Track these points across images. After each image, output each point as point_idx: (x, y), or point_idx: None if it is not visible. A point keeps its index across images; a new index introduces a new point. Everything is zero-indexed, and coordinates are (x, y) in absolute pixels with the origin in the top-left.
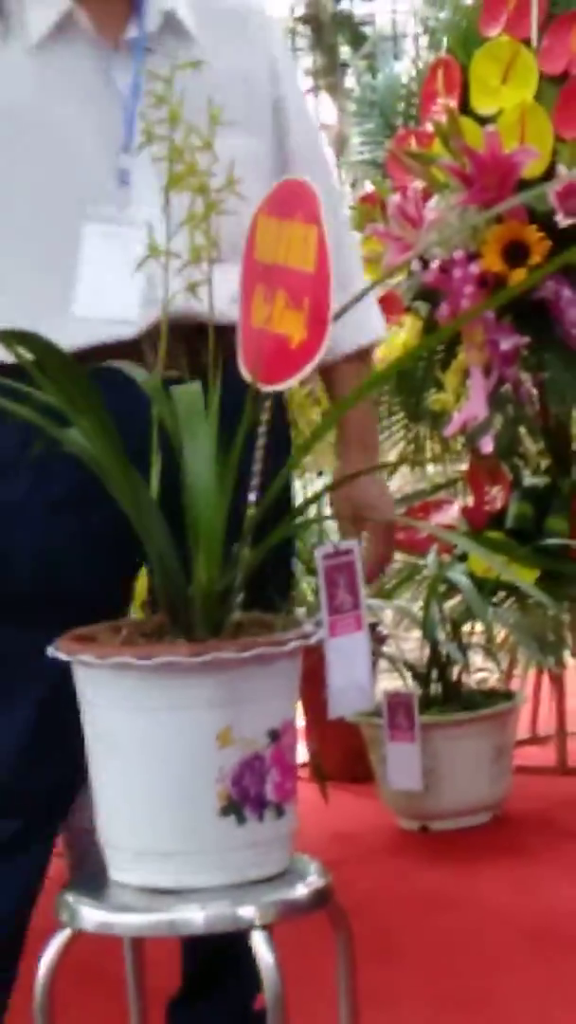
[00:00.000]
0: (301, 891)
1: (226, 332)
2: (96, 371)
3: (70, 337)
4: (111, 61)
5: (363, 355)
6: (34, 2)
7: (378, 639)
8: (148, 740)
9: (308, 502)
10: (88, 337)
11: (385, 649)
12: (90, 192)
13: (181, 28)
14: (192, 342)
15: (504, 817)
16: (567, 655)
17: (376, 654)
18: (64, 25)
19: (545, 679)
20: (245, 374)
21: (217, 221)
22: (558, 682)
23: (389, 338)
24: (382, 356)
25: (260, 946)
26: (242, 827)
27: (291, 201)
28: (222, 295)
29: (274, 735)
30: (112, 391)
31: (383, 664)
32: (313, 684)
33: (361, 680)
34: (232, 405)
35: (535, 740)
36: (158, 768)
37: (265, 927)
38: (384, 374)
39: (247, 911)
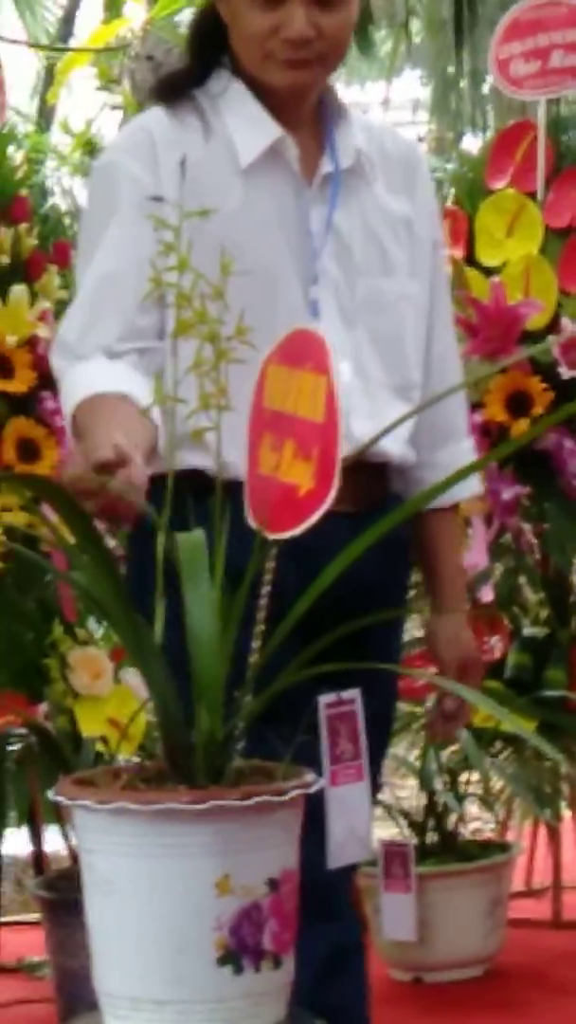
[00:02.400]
0: None
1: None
2: None
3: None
4: (307, 194)
5: (455, 507)
6: (243, 125)
7: (375, 787)
8: (146, 886)
9: (305, 656)
10: None
11: (381, 797)
12: (291, 321)
13: (365, 168)
14: (372, 478)
15: (497, 971)
16: (564, 807)
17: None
18: (273, 152)
19: (541, 831)
20: (251, 522)
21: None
22: (554, 834)
23: None
24: None
25: None
26: (239, 977)
27: (302, 351)
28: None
29: (273, 884)
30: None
31: (378, 812)
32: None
33: (361, 831)
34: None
35: (530, 893)
36: (155, 915)
37: None
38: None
39: None
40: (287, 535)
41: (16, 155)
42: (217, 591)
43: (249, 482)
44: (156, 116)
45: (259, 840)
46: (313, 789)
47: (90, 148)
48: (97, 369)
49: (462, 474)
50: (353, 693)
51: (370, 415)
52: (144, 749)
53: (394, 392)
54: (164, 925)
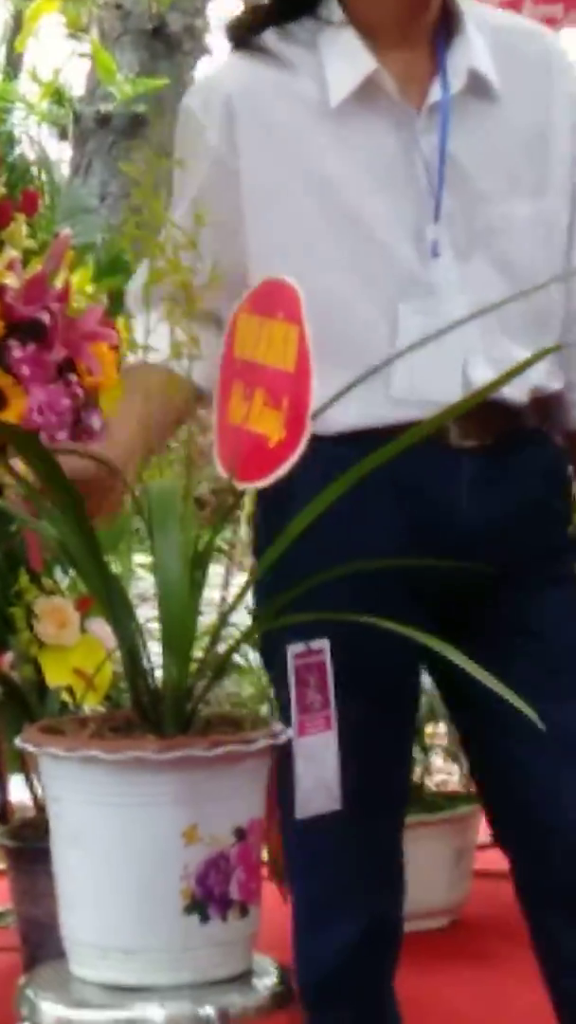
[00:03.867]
0: (262, 992)
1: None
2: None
3: (381, 418)
4: (414, 124)
5: None
6: (336, 59)
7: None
8: (113, 835)
9: (276, 604)
10: (399, 417)
11: None
12: (400, 266)
13: (484, 86)
14: (496, 417)
15: (463, 921)
16: None
17: None
18: (366, 87)
19: None
20: (221, 471)
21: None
22: None
23: None
24: None
25: None
26: (205, 926)
27: (273, 299)
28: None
29: (240, 834)
30: (416, 464)
31: None
32: (274, 782)
33: (329, 781)
34: (531, 471)
35: (495, 844)
36: (123, 863)
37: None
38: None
39: (207, 1011)
40: (256, 485)
41: None
42: (188, 538)
43: (218, 432)
44: (239, 63)
45: (227, 790)
46: (281, 739)
47: (58, 97)
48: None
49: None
50: (322, 643)
51: (491, 359)
52: (110, 699)
53: (527, 325)
54: (131, 874)
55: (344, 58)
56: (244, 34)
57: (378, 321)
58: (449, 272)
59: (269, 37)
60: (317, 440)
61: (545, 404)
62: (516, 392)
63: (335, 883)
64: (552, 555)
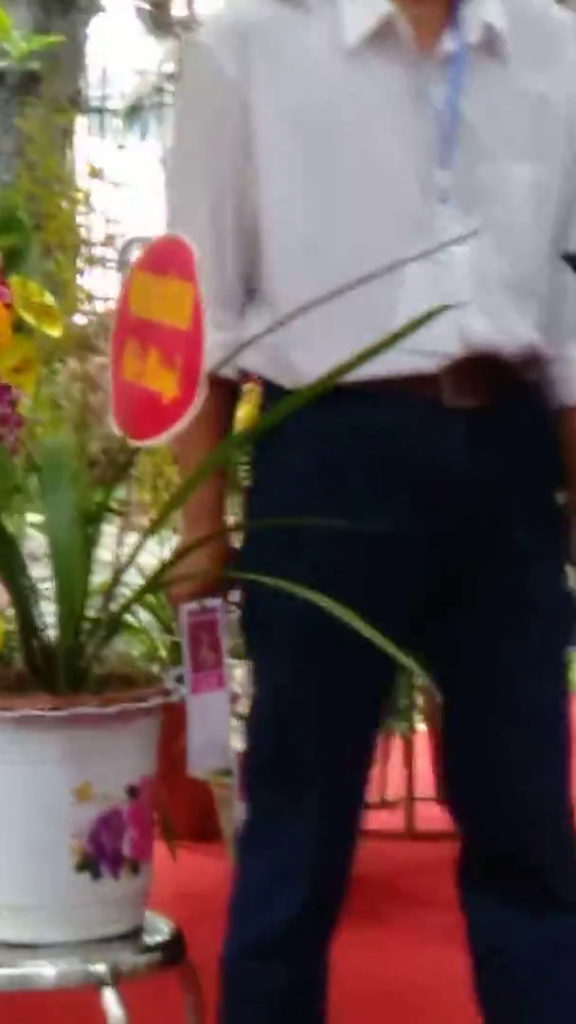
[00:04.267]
0: (154, 949)
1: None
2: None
3: (385, 365)
4: (425, 72)
5: None
6: (350, 2)
7: (230, 698)
8: (4, 792)
9: (168, 563)
10: (391, 368)
11: (237, 708)
12: (407, 211)
13: (497, 44)
14: (490, 374)
15: (354, 880)
16: (417, 720)
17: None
18: (381, 31)
19: (396, 744)
20: (115, 429)
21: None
22: (408, 747)
23: (251, 395)
24: (245, 414)
25: (110, 1003)
26: (97, 883)
27: (167, 257)
28: (523, 327)
29: (133, 791)
30: (408, 419)
31: (233, 723)
32: (163, 740)
33: (221, 738)
34: (525, 430)
35: (384, 804)
36: (14, 821)
37: (115, 982)
38: (248, 433)
39: (98, 968)
40: (150, 443)
41: None
42: (81, 496)
43: (113, 388)
44: (257, 3)
45: (119, 747)
46: (174, 697)
47: None
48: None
49: None
50: (215, 602)
51: (485, 310)
52: (1, 658)
53: (513, 286)
54: (23, 831)
55: (360, 1)
56: None
57: (382, 263)
58: (453, 221)
59: None
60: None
61: (537, 364)
62: (509, 348)
63: (290, 850)
64: (547, 519)
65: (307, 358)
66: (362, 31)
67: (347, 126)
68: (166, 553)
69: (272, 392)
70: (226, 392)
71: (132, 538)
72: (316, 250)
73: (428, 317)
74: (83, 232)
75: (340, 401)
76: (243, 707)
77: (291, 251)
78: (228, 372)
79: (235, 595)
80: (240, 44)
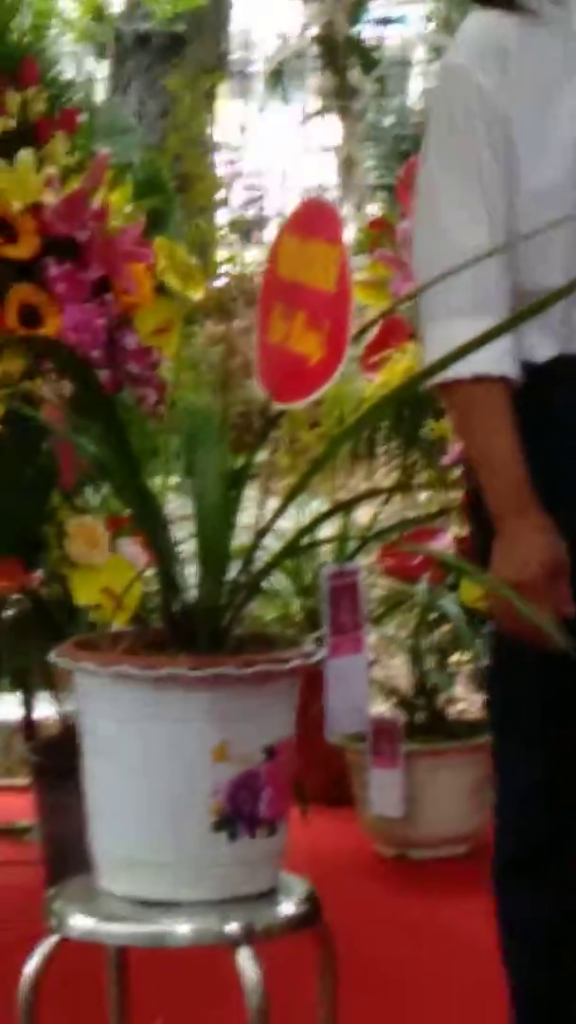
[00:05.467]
0: (288, 910)
1: None
2: None
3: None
4: None
5: None
6: None
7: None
8: (144, 751)
9: (307, 528)
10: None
11: (372, 674)
12: None
13: None
14: None
15: (480, 849)
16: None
17: None
18: None
19: None
20: (258, 391)
21: None
22: None
23: (391, 364)
24: (384, 381)
25: (245, 962)
26: (234, 843)
27: (315, 221)
28: None
29: (270, 752)
30: None
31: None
32: (300, 704)
33: (359, 702)
34: None
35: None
36: (154, 779)
37: (250, 942)
38: (387, 402)
39: (233, 928)
40: (295, 405)
41: (23, 20)
42: (225, 459)
43: (259, 351)
44: (499, 20)
45: (257, 709)
46: (313, 659)
47: (98, 15)
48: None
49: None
50: (355, 566)
51: None
52: (139, 619)
53: None
54: (162, 790)
55: None
56: None
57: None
58: None
59: None
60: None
61: None
62: None
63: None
64: None
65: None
66: None
67: None
68: (306, 519)
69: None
70: (512, 392)
71: (272, 502)
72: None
73: None
74: (225, 195)
75: None
76: (379, 674)
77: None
78: (514, 373)
79: None
80: (494, 62)
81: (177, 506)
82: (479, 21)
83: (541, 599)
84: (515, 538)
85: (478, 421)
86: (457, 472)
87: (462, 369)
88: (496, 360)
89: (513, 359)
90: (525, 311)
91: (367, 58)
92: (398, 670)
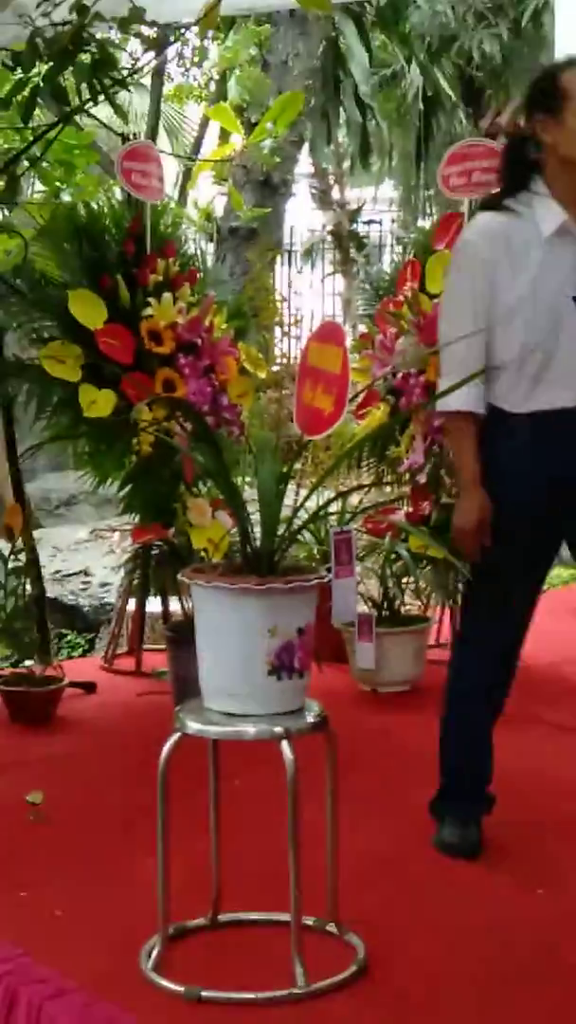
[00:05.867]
0: (311, 719)
1: None
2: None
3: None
4: None
5: None
6: (544, 212)
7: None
8: (230, 630)
9: (323, 506)
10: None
11: (358, 589)
12: (568, 319)
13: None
14: None
15: (419, 687)
16: (458, 597)
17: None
18: (560, 230)
19: (446, 610)
20: (296, 429)
21: None
22: (452, 611)
23: (370, 414)
24: (366, 425)
25: (285, 749)
26: (280, 682)
27: (329, 334)
28: None
29: (301, 631)
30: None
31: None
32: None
33: (350, 604)
34: None
35: (438, 645)
36: (235, 646)
37: (289, 738)
38: (368, 436)
39: (279, 729)
40: (316, 437)
41: (167, 219)
42: (277, 466)
43: (297, 407)
44: (495, 217)
45: (294, 606)
46: (325, 580)
47: (208, 217)
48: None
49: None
50: (349, 528)
51: None
52: (227, 557)
53: None
54: (240, 653)
55: (549, 212)
56: (496, 202)
57: (557, 350)
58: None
59: (508, 201)
60: (515, 416)
61: None
62: None
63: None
64: None
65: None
66: (550, 229)
67: (543, 282)
68: (322, 501)
69: (492, 413)
70: (478, 421)
71: (303, 492)
72: (518, 335)
73: None
74: (280, 318)
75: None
76: (361, 588)
77: (507, 337)
78: (479, 410)
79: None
80: (491, 241)
81: (249, 493)
82: (485, 217)
83: (472, 535)
84: (465, 501)
85: (454, 437)
86: (407, 476)
87: (449, 404)
88: (465, 402)
89: (478, 402)
90: (471, 376)
91: (359, 243)
92: (372, 587)
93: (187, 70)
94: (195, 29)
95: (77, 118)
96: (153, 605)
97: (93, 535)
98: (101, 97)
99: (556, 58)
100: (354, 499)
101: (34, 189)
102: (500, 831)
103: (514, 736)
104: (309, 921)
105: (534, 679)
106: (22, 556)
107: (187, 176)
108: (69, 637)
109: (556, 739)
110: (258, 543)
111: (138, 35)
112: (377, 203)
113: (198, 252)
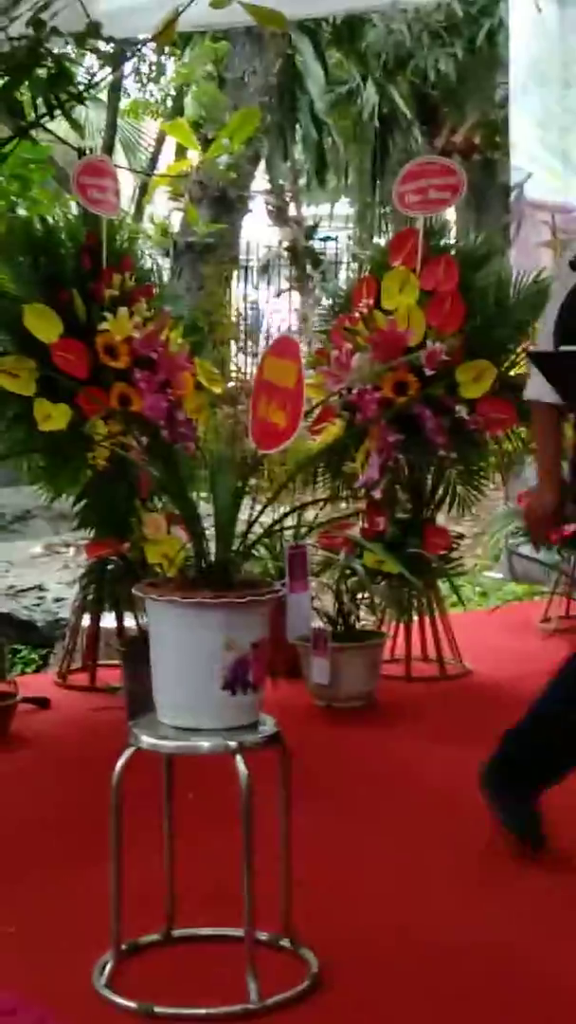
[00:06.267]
0: (264, 734)
1: None
2: None
3: None
4: None
5: None
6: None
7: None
8: (184, 644)
9: (277, 521)
10: None
11: (312, 604)
12: None
13: None
14: None
15: (373, 703)
16: (414, 613)
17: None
18: None
19: (400, 627)
20: (251, 443)
21: None
22: (407, 628)
23: (326, 430)
24: (321, 440)
25: (240, 764)
26: (234, 697)
27: (285, 348)
28: None
29: (255, 645)
30: None
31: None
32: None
33: (306, 619)
34: None
35: (393, 660)
36: (190, 661)
37: (242, 752)
38: (322, 451)
39: (233, 743)
40: (271, 452)
41: (123, 233)
42: (233, 481)
43: (252, 422)
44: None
45: (248, 621)
46: (280, 594)
47: (164, 232)
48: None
49: None
50: (304, 543)
51: None
52: (182, 571)
53: None
54: (194, 665)
55: None
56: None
57: None
58: None
59: None
60: None
61: None
62: None
63: None
64: None
65: None
66: None
67: None
68: (276, 516)
69: None
70: (554, 411)
71: (258, 506)
72: None
73: None
74: (234, 334)
75: None
76: (317, 603)
77: None
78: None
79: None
80: (560, 285)
81: (205, 508)
82: (558, 268)
83: (536, 523)
84: (537, 492)
85: (532, 427)
86: (362, 492)
87: (526, 393)
88: (538, 392)
89: (551, 392)
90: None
91: (316, 260)
92: (327, 602)
93: (144, 85)
94: (152, 45)
95: (33, 132)
96: (108, 620)
97: (48, 550)
98: (57, 112)
99: (510, 78)
100: (309, 514)
101: None
102: (459, 845)
103: (465, 751)
104: (263, 936)
105: (489, 696)
106: None
107: (143, 191)
108: (23, 652)
109: None
110: (213, 558)
111: (95, 50)
112: (333, 220)
113: (154, 267)
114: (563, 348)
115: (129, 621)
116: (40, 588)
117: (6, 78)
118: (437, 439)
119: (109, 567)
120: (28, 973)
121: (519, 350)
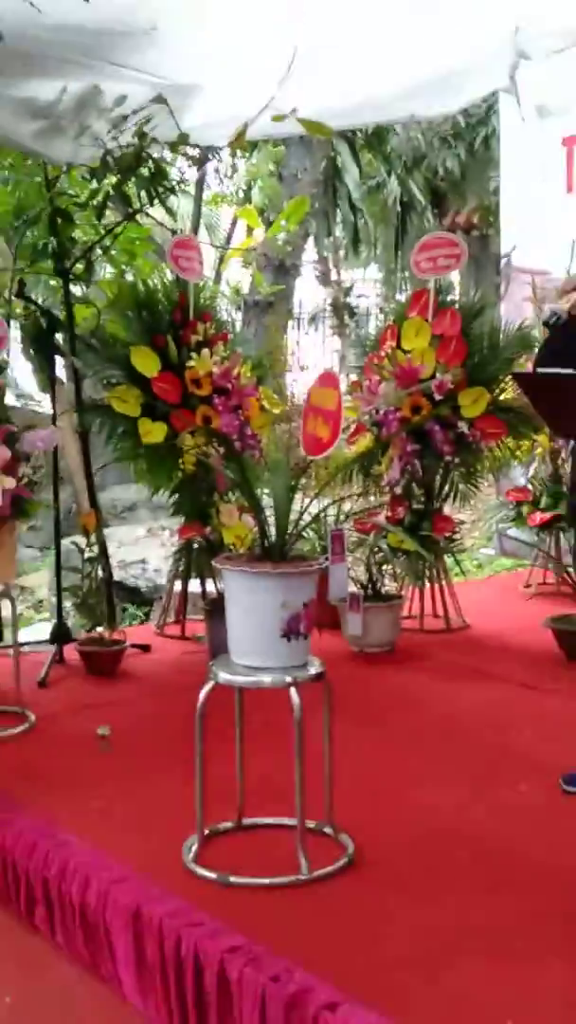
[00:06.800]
0: (313, 671)
1: None
2: None
3: None
4: None
5: None
6: None
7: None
8: (251, 604)
9: (322, 510)
10: None
11: (349, 574)
12: None
13: None
14: None
15: (396, 648)
16: (425, 581)
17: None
18: None
19: (416, 591)
20: (302, 452)
21: None
22: (421, 592)
23: (359, 441)
24: (355, 449)
25: (293, 694)
26: (290, 643)
27: (327, 380)
28: None
29: (305, 605)
30: None
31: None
32: (319, 584)
33: (344, 584)
34: None
35: (410, 616)
36: (255, 616)
37: (296, 685)
38: (357, 458)
39: (288, 678)
40: (318, 458)
41: (206, 293)
42: (287, 480)
43: (303, 436)
44: None
45: (301, 586)
46: (324, 566)
47: (237, 292)
48: None
49: None
50: (342, 527)
51: None
52: (250, 549)
53: None
54: (259, 620)
55: None
56: None
57: None
58: None
59: None
60: None
61: None
62: None
63: None
64: None
65: None
66: None
67: None
68: (320, 507)
69: None
70: None
71: (307, 500)
72: None
73: None
74: (290, 367)
75: None
76: (352, 573)
77: None
78: None
79: None
80: None
81: (266, 500)
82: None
83: None
84: None
85: None
86: (387, 488)
87: None
88: None
89: None
90: None
91: (352, 313)
92: (360, 572)
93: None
94: (227, 150)
95: (138, 217)
96: (194, 586)
97: (149, 533)
98: (156, 201)
99: (501, 173)
100: (346, 505)
101: (105, 271)
102: (460, 753)
103: (466, 685)
104: (311, 824)
105: (483, 644)
106: (95, 549)
107: (221, 261)
108: (130, 610)
109: (501, 688)
110: (273, 538)
111: (184, 154)
112: (365, 282)
113: (229, 319)
114: (539, 369)
115: (210, 586)
116: (143, 561)
117: (118, 176)
118: (444, 448)
119: (195, 545)
120: (132, 851)
121: (506, 380)
